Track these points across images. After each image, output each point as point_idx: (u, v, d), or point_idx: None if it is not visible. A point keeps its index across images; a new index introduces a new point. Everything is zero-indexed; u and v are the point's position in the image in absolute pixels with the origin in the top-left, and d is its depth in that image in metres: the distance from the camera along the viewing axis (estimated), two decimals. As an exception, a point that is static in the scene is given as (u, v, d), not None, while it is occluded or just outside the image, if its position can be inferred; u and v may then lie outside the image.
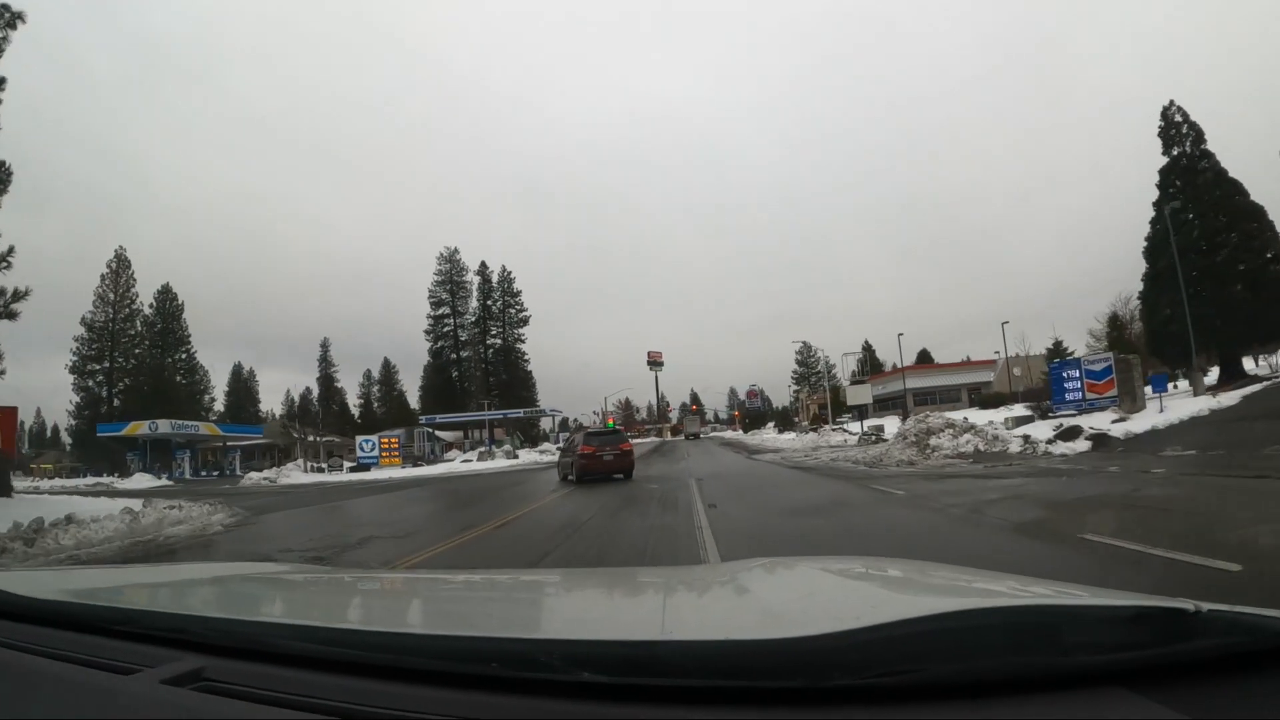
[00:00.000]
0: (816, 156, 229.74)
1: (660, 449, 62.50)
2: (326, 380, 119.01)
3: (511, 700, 1.33)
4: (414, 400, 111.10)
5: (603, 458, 24.12)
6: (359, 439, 58.84)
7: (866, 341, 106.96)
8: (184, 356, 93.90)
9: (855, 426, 53.08)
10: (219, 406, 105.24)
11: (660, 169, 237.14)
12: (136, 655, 1.64)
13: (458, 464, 56.49)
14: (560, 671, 1.31)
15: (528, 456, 58.60)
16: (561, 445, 34.96)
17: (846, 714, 1.21)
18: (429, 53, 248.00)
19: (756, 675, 1.25)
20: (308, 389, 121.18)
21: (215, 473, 68.19)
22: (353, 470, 55.13)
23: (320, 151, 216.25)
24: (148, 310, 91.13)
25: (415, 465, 57.80)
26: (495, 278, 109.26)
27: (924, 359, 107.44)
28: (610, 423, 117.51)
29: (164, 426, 68.78)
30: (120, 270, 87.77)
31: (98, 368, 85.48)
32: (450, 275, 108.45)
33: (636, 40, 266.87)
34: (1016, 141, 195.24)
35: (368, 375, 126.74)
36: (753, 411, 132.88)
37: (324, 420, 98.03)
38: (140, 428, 68.70)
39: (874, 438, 41.20)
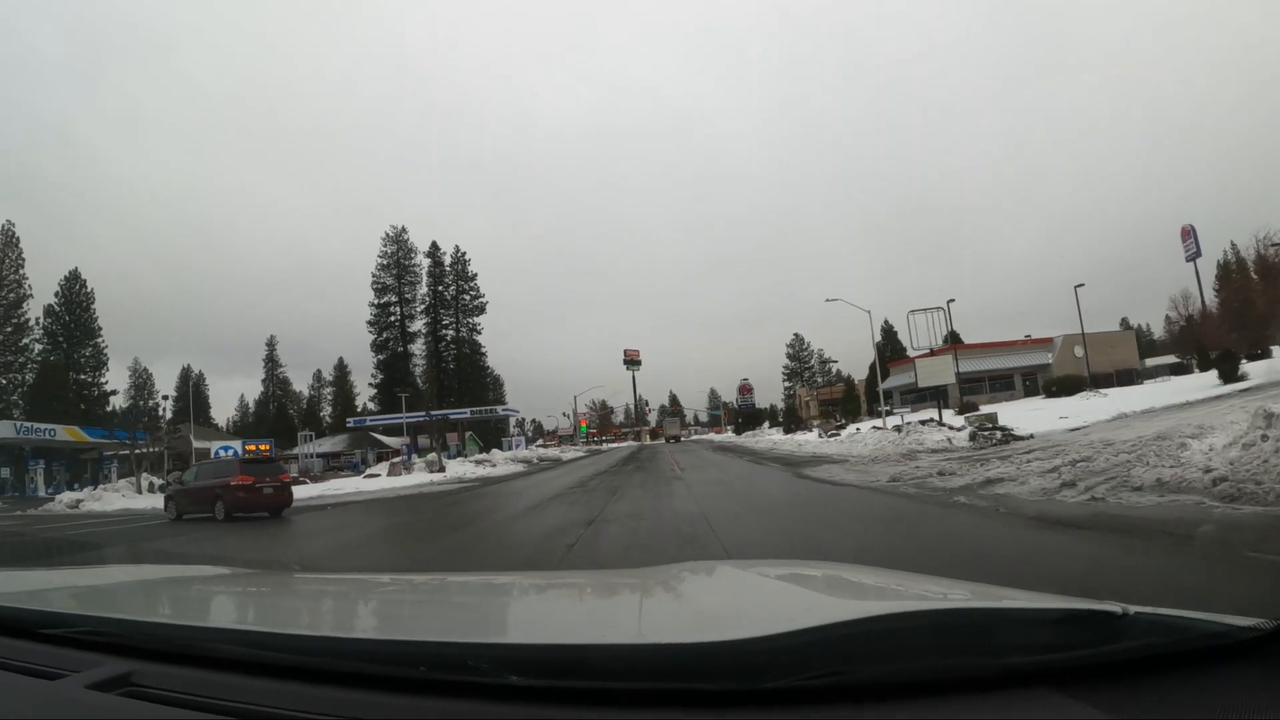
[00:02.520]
0: (798, 147, 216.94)
1: (635, 457, 48.27)
2: (274, 381, 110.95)
3: (440, 703, 1.34)
4: (369, 405, 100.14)
5: (261, 491, 21.00)
6: (216, 447, 41.49)
7: (886, 321, 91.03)
8: (90, 353, 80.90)
9: (950, 418, 34.22)
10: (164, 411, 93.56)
11: (635, 162, 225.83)
12: (63, 660, 1.65)
13: (356, 481, 42.12)
14: (488, 674, 1.31)
15: (460, 470, 44.49)
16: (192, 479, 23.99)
17: (778, 715, 1.23)
18: (389, 29, 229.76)
19: (688, 678, 1.26)
20: (263, 392, 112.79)
21: (15, 492, 53.99)
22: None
23: (274, 141, 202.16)
24: (53, 300, 79.11)
25: (299, 484, 40.95)
26: (448, 260, 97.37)
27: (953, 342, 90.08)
28: (584, 425, 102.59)
29: (4, 430, 54.72)
30: (6, 249, 75.03)
31: None
32: (397, 258, 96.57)
33: (611, 26, 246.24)
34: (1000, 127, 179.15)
35: (318, 376, 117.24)
36: (745, 410, 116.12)
37: (267, 424, 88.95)
38: None
39: (995, 435, 24.86)
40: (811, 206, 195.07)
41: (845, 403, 78.13)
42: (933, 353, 42.67)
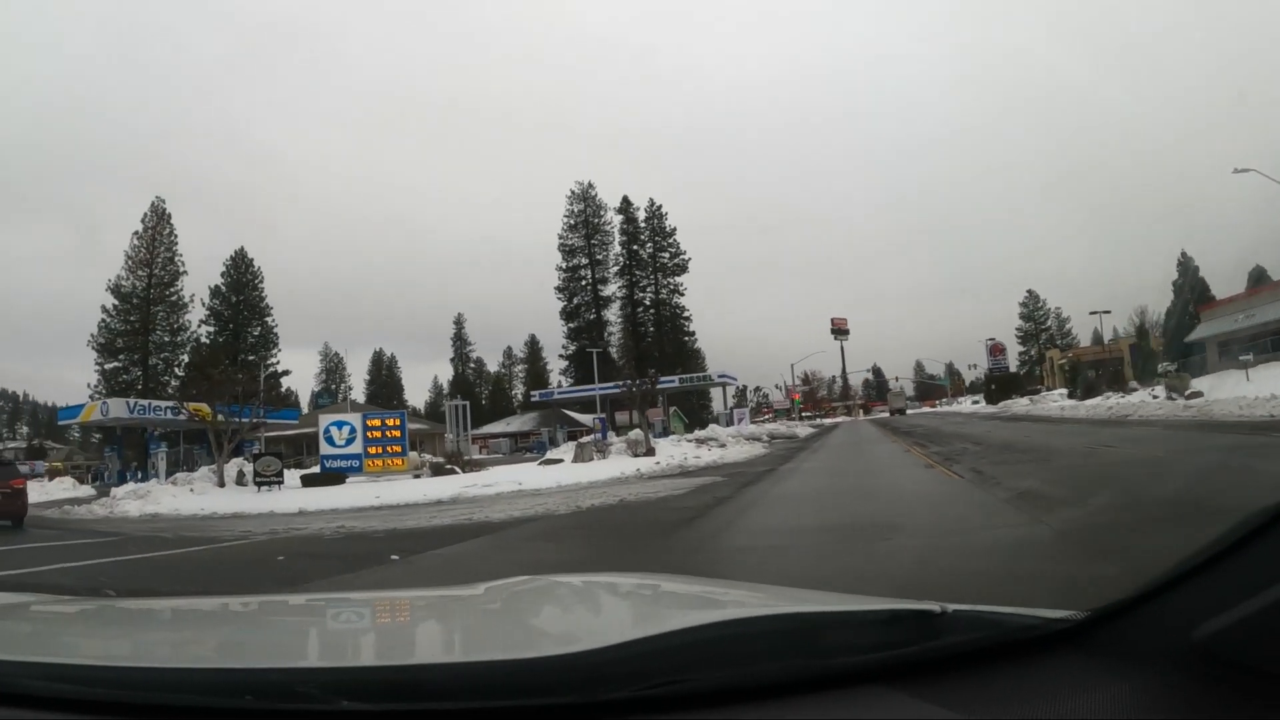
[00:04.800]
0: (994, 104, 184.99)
1: (865, 444, 32.68)
2: (463, 361, 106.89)
3: None
4: (563, 380, 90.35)
5: None
6: (324, 421, 31.51)
7: (1183, 252, 73.12)
8: (258, 332, 76.95)
9: None
10: (357, 395, 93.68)
11: (822, 129, 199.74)
12: None
13: (525, 470, 30.03)
14: (319, 701, 1.27)
15: (675, 452, 32.43)
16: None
17: None
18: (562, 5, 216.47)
19: (525, 694, 1.26)
20: (455, 374, 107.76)
21: (110, 481, 45.31)
22: (306, 483, 29.39)
23: (449, 123, 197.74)
24: (219, 281, 76.06)
25: (445, 473, 29.54)
26: (642, 216, 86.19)
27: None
28: (796, 400, 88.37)
29: (116, 408, 48.10)
30: (158, 226, 70.88)
31: (126, 343, 68.88)
32: (585, 216, 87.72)
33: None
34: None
35: (508, 354, 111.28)
36: (998, 373, 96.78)
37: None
38: (94, 411, 49.94)
39: None
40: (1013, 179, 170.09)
41: (1140, 358, 61.11)
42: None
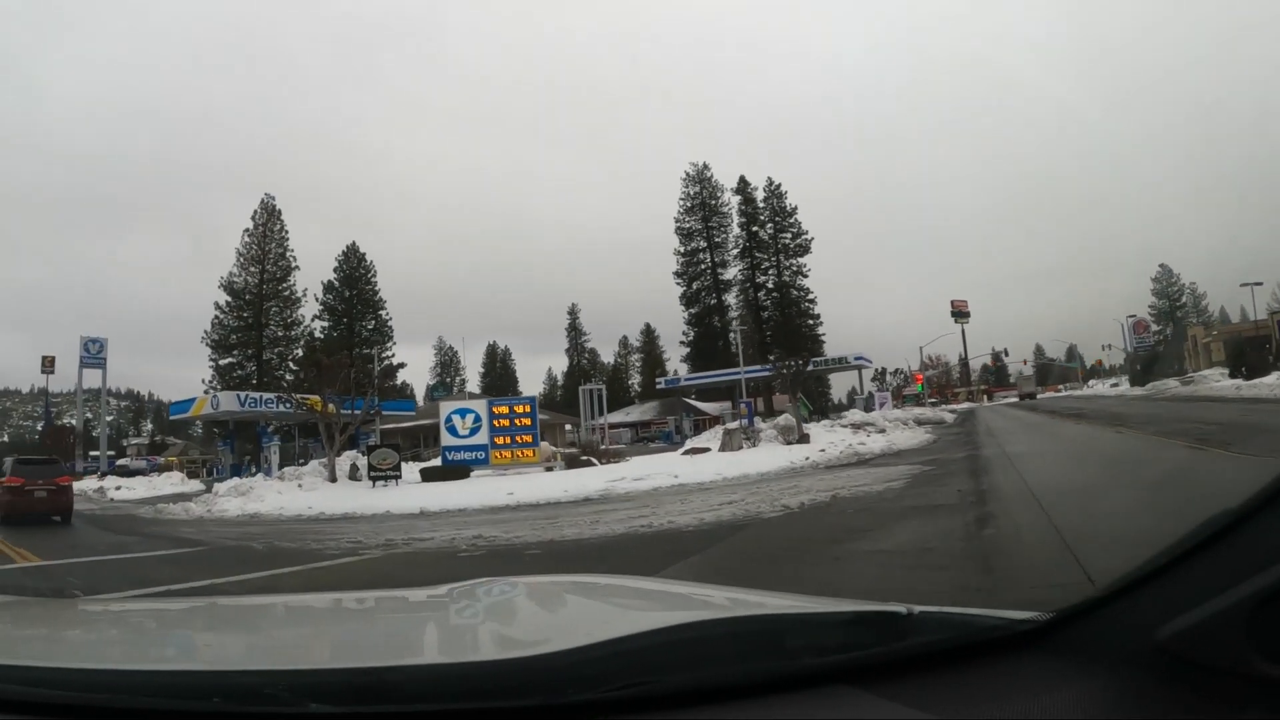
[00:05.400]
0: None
1: (1042, 426, 28.95)
2: (578, 351, 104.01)
3: None
4: (680, 369, 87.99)
5: (34, 495, 18.86)
6: (444, 409, 28.61)
7: None
8: (373, 325, 74.94)
9: None
10: (472, 389, 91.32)
11: (923, 105, 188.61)
12: None
13: (669, 459, 27.52)
14: (286, 704, 1.26)
15: (834, 439, 28.33)
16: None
17: None
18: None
19: (491, 696, 1.25)
20: (569, 365, 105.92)
21: (219, 474, 45.06)
22: (426, 477, 25.98)
23: (556, 116, 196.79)
24: (332, 276, 74.91)
25: (580, 465, 25.75)
26: (760, 196, 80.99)
27: None
28: (920, 384, 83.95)
29: (226, 401, 47.86)
30: (269, 222, 70.67)
31: (239, 339, 68.25)
32: (701, 198, 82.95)
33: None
34: None
35: (624, 343, 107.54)
36: (1144, 352, 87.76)
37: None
38: (204, 404, 49.63)
39: None
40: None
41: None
42: None
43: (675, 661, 1.30)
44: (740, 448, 28.66)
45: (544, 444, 29.56)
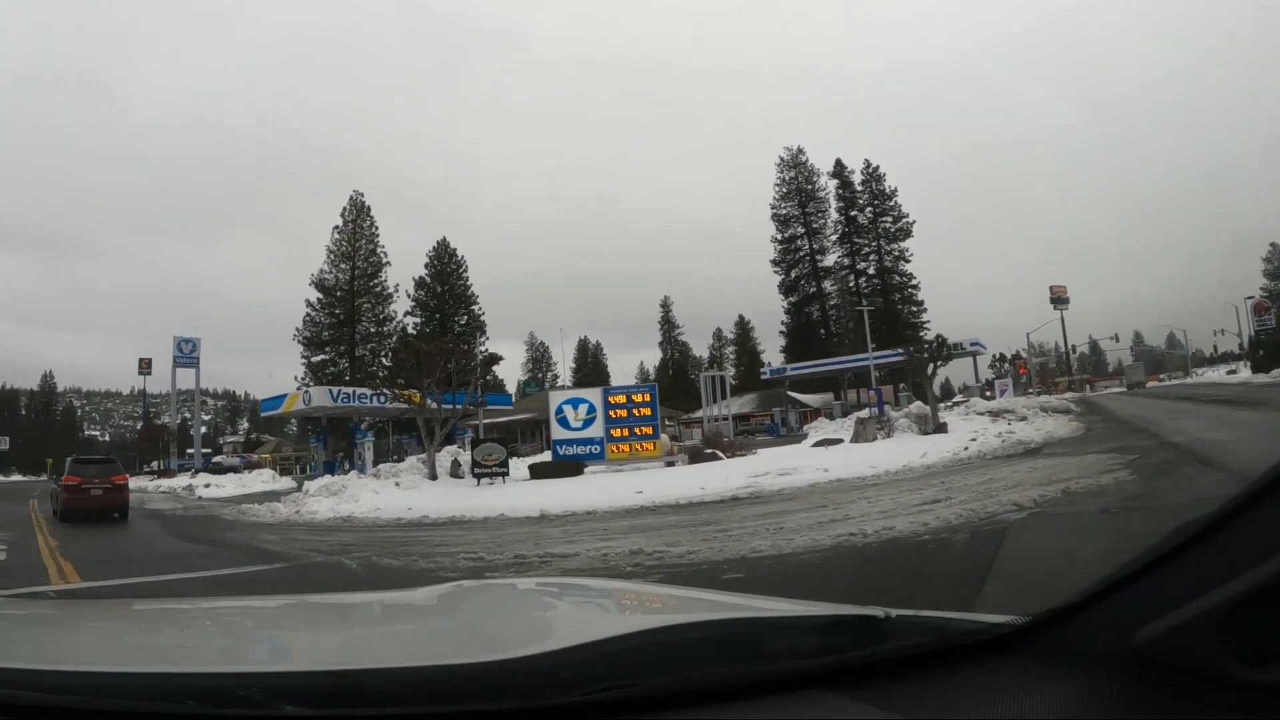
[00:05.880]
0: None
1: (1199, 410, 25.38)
2: (672, 345, 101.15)
3: None
4: (775, 360, 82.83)
5: (90, 492, 18.61)
6: (554, 399, 26.23)
7: None
8: (465, 320, 74.20)
9: None
10: (565, 379, 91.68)
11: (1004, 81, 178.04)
12: None
13: (799, 451, 24.34)
14: (261, 706, 1.23)
15: (969, 428, 25.07)
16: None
17: None
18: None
19: (468, 699, 1.23)
20: (660, 361, 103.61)
21: (313, 471, 43.73)
22: (535, 473, 23.32)
23: (641, 109, 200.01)
24: (423, 272, 74.59)
25: (706, 459, 22.69)
26: (858, 180, 78.15)
27: None
28: (1024, 373, 79.95)
29: (319, 397, 45.30)
30: (358, 219, 70.84)
31: (332, 335, 68.95)
32: (797, 184, 79.96)
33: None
34: None
35: (718, 335, 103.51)
36: (1265, 336, 79.75)
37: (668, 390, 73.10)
38: (296, 400, 46.82)
39: None
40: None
41: None
42: None
43: (654, 664, 1.28)
44: (875, 438, 25.64)
45: (663, 436, 26.68)
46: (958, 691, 1.28)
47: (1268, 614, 1.02)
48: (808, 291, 77.79)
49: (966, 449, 19.28)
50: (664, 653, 1.32)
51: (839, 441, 26.24)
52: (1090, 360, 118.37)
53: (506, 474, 21.92)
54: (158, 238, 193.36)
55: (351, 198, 70.11)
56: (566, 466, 22.92)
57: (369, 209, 70.39)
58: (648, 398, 25.05)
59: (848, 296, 75.37)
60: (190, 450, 61.71)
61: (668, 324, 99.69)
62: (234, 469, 51.94)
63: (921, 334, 71.62)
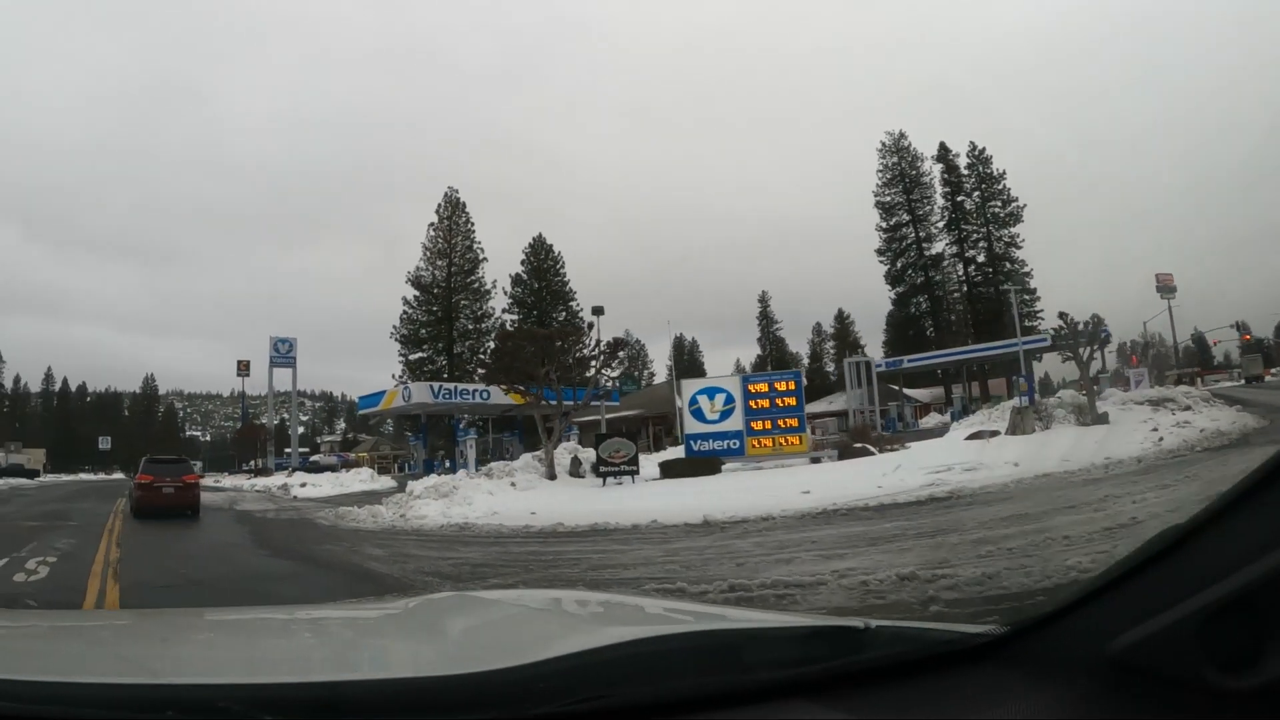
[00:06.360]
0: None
1: None
2: (769, 340, 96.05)
3: None
4: (876, 353, 77.03)
5: (162, 490, 18.82)
6: (687, 388, 23.41)
7: None
8: (564, 317, 70.32)
9: None
10: (660, 377, 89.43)
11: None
12: None
13: (960, 451, 19.92)
14: (240, 717, 1.20)
15: (1134, 419, 21.83)
16: None
17: None
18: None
19: (448, 710, 1.22)
20: (757, 357, 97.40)
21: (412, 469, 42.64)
22: (667, 472, 20.90)
23: (734, 102, 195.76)
24: (519, 269, 72.54)
25: (855, 455, 19.74)
26: (963, 163, 73.19)
27: None
28: (1135, 364, 74.21)
29: (419, 393, 42.62)
30: (454, 215, 68.92)
31: (429, 333, 66.85)
32: (900, 169, 74.94)
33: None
34: None
35: (817, 330, 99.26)
36: None
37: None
38: (395, 397, 44.64)
39: None
40: None
41: None
42: None
43: (634, 675, 1.28)
44: (1033, 430, 22.63)
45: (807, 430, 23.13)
46: (935, 698, 1.27)
47: (1243, 620, 1.01)
48: (914, 282, 73.07)
49: (1162, 440, 17.06)
50: (645, 663, 1.30)
51: (995, 434, 23.12)
52: (1195, 353, 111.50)
53: (636, 472, 19.24)
54: (255, 244, 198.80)
55: (446, 194, 68.35)
56: (702, 463, 20.05)
57: (464, 205, 68.57)
58: (792, 385, 21.78)
59: (957, 286, 71.32)
60: (288, 450, 60.88)
61: (765, 319, 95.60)
62: (330, 468, 50.43)
63: (1037, 324, 67.77)
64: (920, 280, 73.03)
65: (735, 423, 21.11)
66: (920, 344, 67.28)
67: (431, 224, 68.16)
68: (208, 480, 64.45)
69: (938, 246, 73.62)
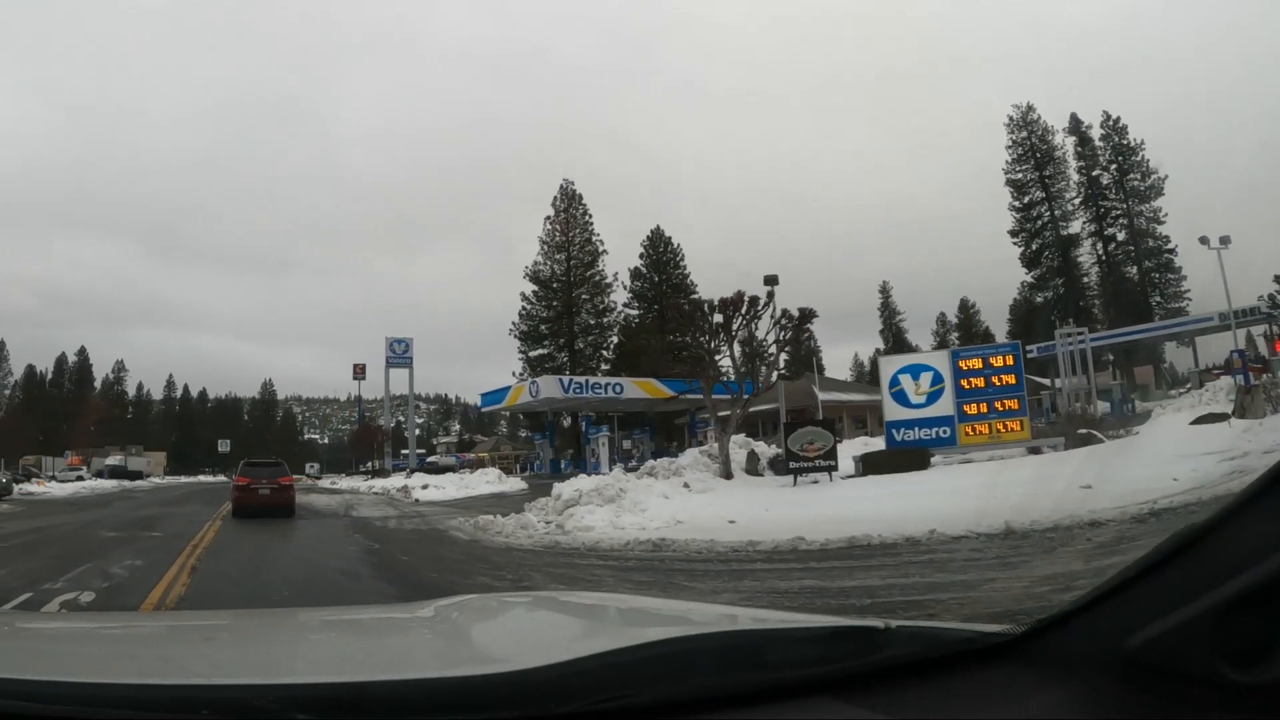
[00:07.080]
0: None
1: None
2: (891, 332, 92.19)
3: None
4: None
5: (258, 492, 19.26)
6: (887, 366, 19.30)
7: None
8: (687, 309, 64.58)
9: None
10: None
11: None
12: None
13: (1213, 436, 15.78)
14: (273, 715, 1.23)
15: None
16: None
17: None
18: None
19: (473, 710, 1.23)
20: (877, 350, 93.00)
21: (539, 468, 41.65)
22: (868, 467, 16.75)
23: (843, 89, 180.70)
24: (639, 262, 70.25)
25: (1082, 441, 15.94)
26: (1097, 135, 68.11)
27: None
28: None
29: (547, 387, 39.43)
30: (570, 208, 66.87)
31: (550, 329, 65.09)
32: (1030, 144, 69.92)
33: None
34: None
35: (941, 320, 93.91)
36: None
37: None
38: (521, 392, 41.96)
39: None
40: None
41: None
42: None
43: (660, 674, 1.28)
44: (1265, 413, 18.48)
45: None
46: (953, 696, 1.29)
47: (1256, 616, 1.02)
48: (1051, 264, 67.97)
49: None
50: (669, 664, 1.31)
51: (1224, 417, 18.65)
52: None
53: (834, 468, 15.79)
54: (369, 252, 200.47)
55: (562, 186, 66.20)
56: (909, 456, 16.41)
57: (580, 196, 66.30)
58: (1010, 360, 17.72)
59: (1100, 266, 65.68)
60: (404, 451, 59.27)
61: (887, 310, 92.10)
62: (450, 468, 48.39)
63: (1184, 304, 61.70)
64: (1057, 263, 67.76)
65: (945, 406, 17.39)
66: (1047, 332, 62.25)
67: (548, 217, 66.31)
68: (324, 482, 64.28)
69: (1074, 225, 68.58)
